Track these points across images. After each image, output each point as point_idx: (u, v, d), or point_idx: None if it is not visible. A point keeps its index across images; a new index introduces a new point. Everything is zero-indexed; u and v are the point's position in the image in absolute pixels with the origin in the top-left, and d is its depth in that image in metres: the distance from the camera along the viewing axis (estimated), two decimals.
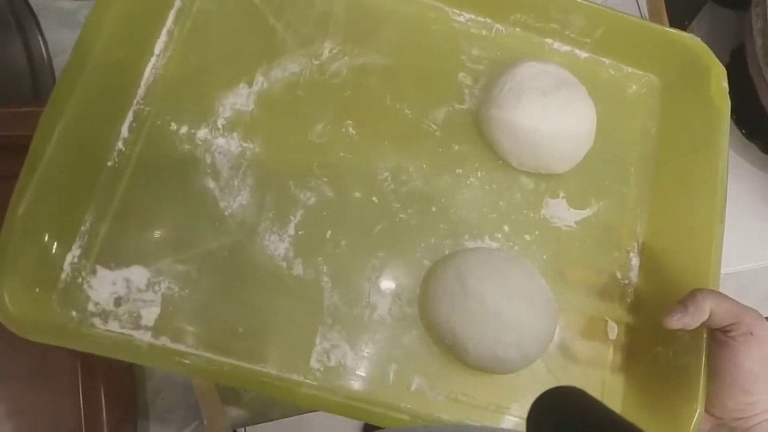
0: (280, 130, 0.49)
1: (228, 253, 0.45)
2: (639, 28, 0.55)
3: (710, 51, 0.53)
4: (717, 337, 0.42)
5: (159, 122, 0.47)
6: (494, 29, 0.56)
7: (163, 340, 0.42)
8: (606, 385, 0.49)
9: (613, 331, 0.50)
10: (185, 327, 0.43)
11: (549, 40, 0.57)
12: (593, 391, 0.48)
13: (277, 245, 0.46)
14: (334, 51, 0.52)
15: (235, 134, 0.48)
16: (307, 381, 0.43)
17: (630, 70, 0.58)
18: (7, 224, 0.38)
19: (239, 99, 0.49)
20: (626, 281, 0.51)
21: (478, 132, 0.52)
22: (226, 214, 0.46)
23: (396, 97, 0.52)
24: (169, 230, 0.45)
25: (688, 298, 0.41)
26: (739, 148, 0.68)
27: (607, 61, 0.57)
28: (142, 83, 0.48)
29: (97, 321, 0.42)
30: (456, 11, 0.55)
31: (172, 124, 0.47)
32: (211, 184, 0.47)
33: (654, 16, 0.68)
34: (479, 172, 0.51)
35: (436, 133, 0.52)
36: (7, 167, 0.39)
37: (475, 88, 0.54)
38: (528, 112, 0.49)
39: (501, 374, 0.46)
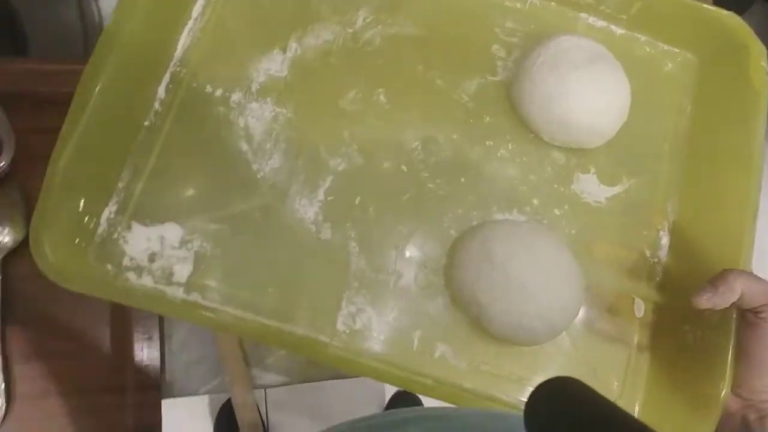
0: (312, 96, 0.48)
1: (259, 215, 0.45)
2: (676, 5, 0.53)
3: (750, 29, 0.51)
4: (747, 318, 0.40)
5: (195, 84, 0.47)
6: (529, 2, 0.54)
7: (194, 297, 0.42)
8: (630, 362, 0.48)
9: (640, 309, 0.49)
10: (216, 285, 0.43)
11: (584, 15, 0.55)
12: (617, 368, 0.47)
13: (307, 209, 0.46)
14: (368, 20, 0.51)
15: (268, 99, 0.48)
16: (333, 343, 0.43)
17: (666, 47, 0.56)
18: (48, 177, 0.39)
19: (273, 65, 0.49)
20: (655, 260, 0.50)
21: (510, 105, 0.51)
22: (258, 176, 0.46)
23: (428, 66, 0.51)
24: (202, 190, 0.45)
25: (718, 278, 0.40)
26: None
27: (643, 37, 0.56)
28: (179, 46, 0.48)
29: (131, 275, 0.42)
30: None
31: (208, 86, 0.47)
32: (245, 146, 0.47)
33: None
34: (510, 145, 0.50)
35: (468, 104, 0.51)
36: (57, 122, 0.39)
37: (509, 61, 0.52)
38: (561, 86, 0.48)
39: (525, 346, 0.45)
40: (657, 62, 0.56)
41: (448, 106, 0.50)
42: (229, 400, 1.03)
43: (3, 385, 0.43)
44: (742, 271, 0.40)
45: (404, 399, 1.11)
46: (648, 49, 0.56)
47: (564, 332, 0.46)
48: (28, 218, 0.43)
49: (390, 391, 1.11)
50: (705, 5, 0.53)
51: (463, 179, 0.49)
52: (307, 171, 0.47)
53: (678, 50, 0.56)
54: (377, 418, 0.34)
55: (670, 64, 0.56)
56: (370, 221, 0.46)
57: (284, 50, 0.49)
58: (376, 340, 0.44)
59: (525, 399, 0.44)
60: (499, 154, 0.50)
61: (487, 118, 0.51)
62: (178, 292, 0.42)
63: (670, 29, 0.55)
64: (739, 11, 0.55)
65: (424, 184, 0.48)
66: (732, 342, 0.42)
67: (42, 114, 0.39)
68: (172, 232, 0.44)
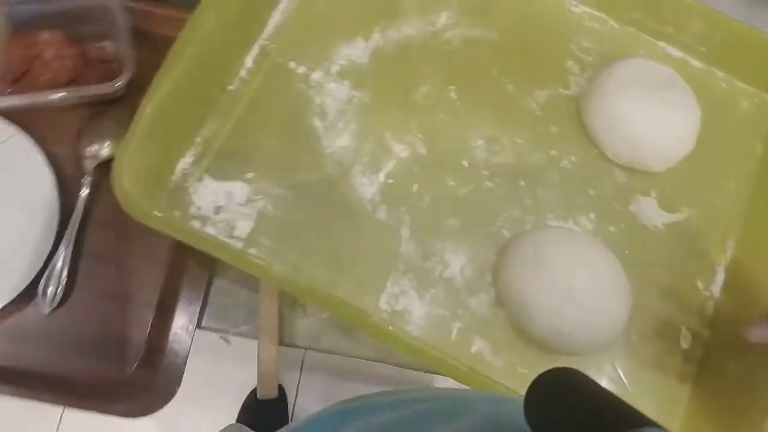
0: (387, 85, 0.49)
1: (322, 187, 0.46)
2: (760, 43, 0.52)
3: None
4: None
5: (280, 59, 0.49)
6: (608, 25, 0.54)
7: (252, 251, 0.43)
8: (669, 391, 0.45)
9: (687, 340, 0.46)
10: (272, 244, 0.44)
11: (662, 44, 0.54)
12: (655, 394, 0.45)
13: (366, 188, 0.46)
14: (450, 21, 0.52)
15: (346, 82, 0.49)
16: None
17: (743, 85, 0.54)
18: (136, 118, 0.40)
19: (355, 51, 0.50)
20: (708, 293, 0.47)
21: (579, 119, 0.50)
22: (327, 152, 0.47)
23: (502, 71, 0.51)
24: (273, 156, 0.46)
25: None
26: None
27: (720, 73, 0.54)
28: (271, 22, 0.49)
29: (196, 223, 0.44)
30: (573, 2, 0.54)
31: (291, 63, 0.49)
32: (318, 122, 0.48)
33: None
34: (573, 157, 0.50)
35: (536, 112, 0.50)
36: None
37: (582, 77, 0.52)
38: (630, 105, 0.47)
39: (562, 354, 0.44)
40: (732, 99, 0.54)
41: (517, 111, 0.50)
42: (253, 392, 1.04)
43: (66, 274, 0.45)
44: None
45: None
46: (724, 85, 0.54)
47: (605, 349, 0.45)
48: None
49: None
50: None
51: (522, 183, 0.48)
52: (372, 153, 0.47)
53: (755, 90, 0.54)
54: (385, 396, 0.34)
55: (745, 103, 0.54)
56: (425, 209, 0.46)
57: (367, 39, 0.50)
58: (416, 324, 0.44)
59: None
60: (561, 164, 0.49)
61: (554, 128, 0.50)
62: (238, 245, 0.43)
63: (749, 68, 0.53)
64: None
65: (482, 182, 0.48)
66: None
67: (164, 54, 0.41)
68: (240, 189, 0.45)
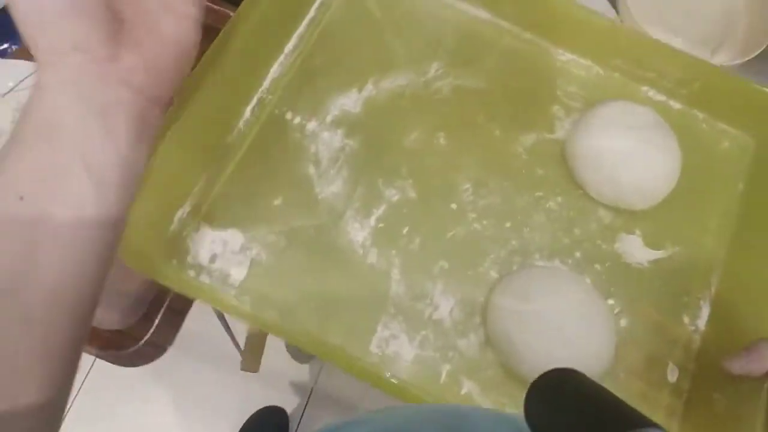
0: (379, 132, 0.50)
1: (314, 233, 0.47)
2: (737, 86, 0.52)
3: None
4: None
5: (277, 111, 0.50)
6: (594, 71, 0.55)
7: (245, 299, 0.44)
8: None
9: (674, 374, 0.46)
10: (265, 291, 0.44)
11: (645, 88, 0.55)
12: None
13: (358, 233, 0.47)
14: (440, 71, 0.53)
15: (339, 130, 0.50)
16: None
17: (723, 126, 0.55)
18: None
19: (349, 101, 0.51)
20: (693, 328, 0.47)
21: (564, 161, 0.51)
22: (320, 198, 0.48)
23: (489, 117, 0.52)
24: (268, 204, 0.47)
25: (752, 346, 0.38)
26: None
27: (701, 114, 0.55)
28: (269, 76, 0.51)
29: (191, 272, 0.44)
30: (560, 50, 0.55)
31: (288, 113, 0.50)
32: (312, 170, 0.49)
33: None
34: (558, 198, 0.50)
35: (523, 156, 0.51)
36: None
37: (567, 121, 0.53)
38: (612, 145, 0.48)
39: None
40: (713, 139, 0.54)
41: (504, 155, 0.51)
42: (252, 417, 1.03)
43: None
44: None
45: None
46: (705, 126, 0.55)
47: None
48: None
49: None
50: (761, 87, 0.52)
51: (508, 224, 0.49)
52: (364, 198, 0.48)
53: (735, 131, 0.55)
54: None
55: (726, 143, 0.54)
56: (415, 251, 0.47)
57: (360, 90, 0.52)
58: (406, 367, 0.44)
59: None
60: (547, 205, 0.50)
61: (540, 171, 0.51)
62: (231, 292, 0.44)
63: (728, 109, 0.54)
64: None
65: (470, 224, 0.48)
66: (762, 413, 0.39)
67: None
68: (235, 237, 0.46)
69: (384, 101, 0.52)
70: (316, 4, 0.53)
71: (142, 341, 0.45)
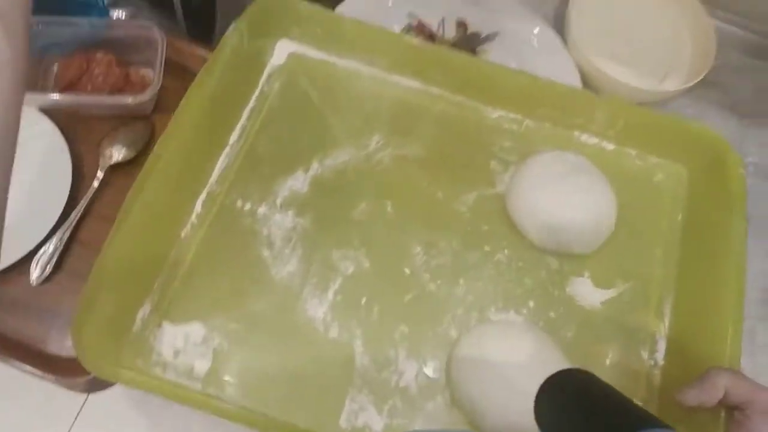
0: (328, 208, 0.52)
1: (274, 314, 0.47)
2: (657, 120, 0.55)
3: (727, 142, 0.52)
4: (735, 417, 0.39)
5: (227, 200, 0.52)
6: (524, 124, 0.58)
7: (210, 390, 0.44)
8: None
9: None
10: (229, 379, 0.45)
11: (576, 133, 0.58)
12: None
13: (317, 309, 0.48)
14: (380, 143, 0.55)
15: (289, 211, 0.52)
16: None
17: (655, 159, 0.57)
18: (93, 277, 0.42)
19: (296, 182, 0.53)
20: (653, 362, 0.48)
21: (506, 214, 0.53)
22: (276, 279, 0.49)
23: (431, 181, 0.54)
24: (226, 292, 0.48)
25: (703, 376, 0.39)
26: None
27: (633, 151, 0.57)
28: (216, 168, 0.53)
29: (157, 370, 0.45)
30: (489, 108, 0.58)
31: (238, 201, 0.52)
32: (266, 252, 0.50)
33: None
34: (506, 250, 0.52)
35: (466, 214, 0.53)
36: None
37: (505, 175, 0.55)
38: (547, 195, 0.50)
39: None
40: (648, 173, 0.57)
41: (449, 215, 0.53)
42: None
43: (57, 255, 0.50)
44: (725, 369, 0.39)
45: None
46: (638, 162, 0.57)
47: None
48: (145, 150, 0.54)
49: None
50: (683, 120, 0.55)
51: (461, 281, 0.50)
52: (319, 274, 0.49)
53: (666, 162, 0.57)
54: None
55: (660, 175, 0.57)
56: (375, 321, 0.48)
57: (306, 170, 0.54)
58: None
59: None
60: (496, 258, 0.51)
61: (485, 226, 0.52)
62: (197, 385, 0.44)
63: (655, 143, 0.56)
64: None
65: (425, 286, 0.50)
66: None
67: (185, 82, 0.49)
68: (196, 330, 0.46)
69: (330, 178, 0.53)
70: (255, 94, 0.56)
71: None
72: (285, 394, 0.45)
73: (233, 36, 0.53)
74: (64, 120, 0.55)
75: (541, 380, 0.43)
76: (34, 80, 0.56)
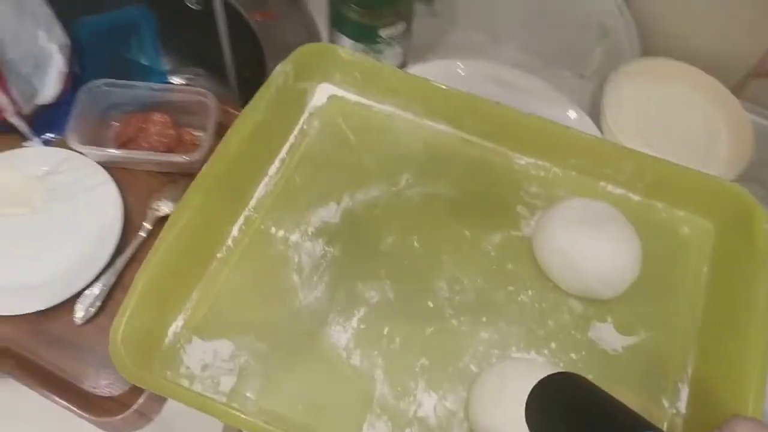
0: (357, 239, 0.55)
1: (299, 338, 0.50)
2: (685, 175, 0.57)
3: (753, 197, 0.54)
4: None
5: (262, 227, 0.55)
6: (552, 171, 0.60)
7: (234, 405, 0.46)
8: None
9: None
10: (253, 397, 0.47)
11: (603, 183, 0.60)
12: None
13: (341, 335, 0.50)
14: (410, 181, 0.59)
15: (320, 240, 0.55)
16: None
17: (681, 213, 0.59)
18: (131, 291, 0.46)
19: (328, 213, 0.56)
20: (674, 410, 0.48)
21: (532, 256, 0.55)
22: (303, 304, 0.51)
23: (458, 220, 0.56)
24: (255, 313, 0.51)
25: (724, 425, 0.39)
26: None
27: (659, 204, 0.59)
28: (255, 196, 0.56)
29: (185, 381, 0.47)
30: (518, 155, 0.61)
31: (272, 228, 0.55)
32: (295, 278, 0.52)
33: None
34: (530, 291, 0.53)
35: (492, 254, 0.55)
36: None
37: (531, 219, 0.57)
38: (573, 240, 0.52)
39: None
40: (674, 226, 0.58)
41: (474, 254, 0.55)
42: None
43: (102, 297, 0.54)
44: (748, 418, 0.39)
45: None
46: (664, 215, 0.59)
47: None
48: None
49: None
50: (710, 175, 0.57)
51: (484, 318, 0.51)
52: (345, 302, 0.51)
53: (692, 216, 0.59)
54: None
55: (686, 228, 0.58)
56: (396, 351, 0.49)
57: (338, 202, 0.57)
58: None
59: None
60: (519, 298, 0.53)
61: (510, 266, 0.54)
62: (221, 400, 0.46)
63: (682, 198, 0.58)
64: None
65: (447, 320, 0.51)
66: None
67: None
68: (224, 347, 0.49)
69: (360, 211, 0.57)
70: (295, 131, 0.60)
71: (131, 409, 0.49)
72: (305, 414, 0.46)
73: (279, 77, 0.58)
74: (120, 173, 0.60)
75: None
76: (96, 135, 0.62)
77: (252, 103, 0.56)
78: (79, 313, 0.53)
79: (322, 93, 0.63)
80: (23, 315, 0.52)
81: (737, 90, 0.71)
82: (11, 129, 0.62)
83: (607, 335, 0.51)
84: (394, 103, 0.62)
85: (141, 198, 0.60)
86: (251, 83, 0.63)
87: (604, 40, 0.71)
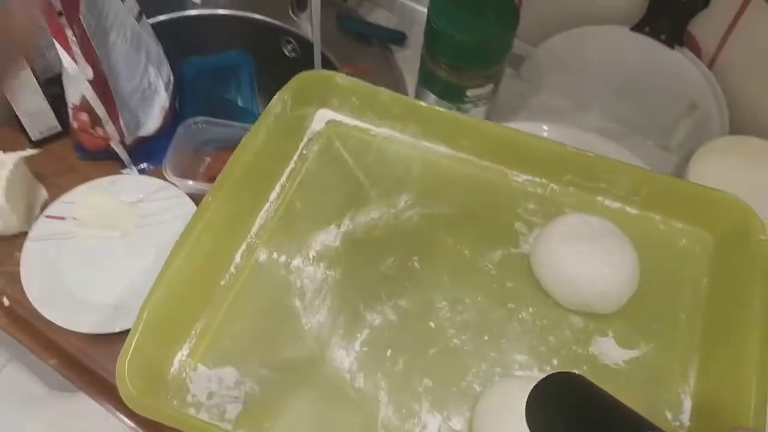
0: (358, 262, 0.56)
1: (303, 362, 0.51)
2: (681, 188, 0.58)
3: (750, 207, 0.55)
4: None
5: (264, 252, 0.56)
6: (549, 188, 0.62)
7: None
8: None
9: None
10: (260, 424, 0.48)
11: (600, 198, 0.61)
12: None
13: (344, 359, 0.51)
14: (409, 202, 0.60)
15: (321, 264, 0.56)
16: None
17: (679, 225, 0.60)
18: (136, 321, 0.47)
19: (329, 236, 0.58)
20: (678, 423, 0.49)
21: (531, 273, 0.56)
22: (306, 328, 0.52)
23: (457, 239, 0.58)
24: (259, 339, 0.52)
25: None
26: None
27: (657, 216, 0.60)
28: (256, 222, 0.58)
29: (191, 410, 0.48)
30: (515, 173, 0.62)
31: (275, 254, 0.56)
32: (297, 303, 0.54)
33: None
34: (531, 308, 0.54)
35: (492, 272, 0.56)
36: None
37: (530, 236, 0.58)
38: (571, 256, 0.53)
39: None
40: (672, 238, 0.59)
41: (474, 272, 0.56)
42: None
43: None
44: (750, 429, 0.40)
45: None
46: (662, 227, 0.60)
47: None
48: None
49: None
50: (707, 187, 0.58)
51: (486, 337, 0.52)
52: (347, 325, 0.52)
53: (691, 228, 0.60)
54: None
55: (684, 240, 0.59)
56: (399, 372, 0.50)
57: (339, 225, 0.58)
58: None
59: None
60: (520, 315, 0.54)
61: (510, 284, 0.55)
62: (228, 427, 0.47)
63: (679, 210, 0.59)
64: None
65: (450, 340, 0.52)
66: None
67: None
68: (230, 374, 0.50)
69: (361, 233, 0.58)
70: (295, 156, 0.62)
71: None
72: None
73: (277, 105, 0.59)
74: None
75: None
76: (188, 168, 0.66)
77: (251, 131, 0.57)
78: None
79: (320, 118, 0.65)
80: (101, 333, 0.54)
81: None
82: (112, 156, 0.66)
83: (609, 349, 0.52)
84: (391, 125, 0.64)
85: None
86: None
87: (692, 114, 0.70)
